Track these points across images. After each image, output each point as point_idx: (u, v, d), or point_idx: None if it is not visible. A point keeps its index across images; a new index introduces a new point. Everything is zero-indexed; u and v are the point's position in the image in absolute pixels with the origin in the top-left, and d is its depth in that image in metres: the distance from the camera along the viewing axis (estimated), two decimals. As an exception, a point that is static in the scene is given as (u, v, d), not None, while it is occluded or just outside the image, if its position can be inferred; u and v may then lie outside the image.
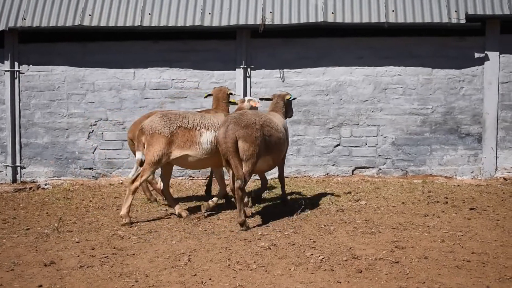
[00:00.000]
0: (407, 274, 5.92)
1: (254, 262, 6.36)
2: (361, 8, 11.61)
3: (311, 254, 6.56)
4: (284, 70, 11.91)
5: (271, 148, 8.23)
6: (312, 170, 11.82)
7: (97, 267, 6.30)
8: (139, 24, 11.78)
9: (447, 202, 9.33)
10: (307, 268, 6.13)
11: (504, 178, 11.43)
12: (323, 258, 6.43)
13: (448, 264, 6.20)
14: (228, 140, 7.78)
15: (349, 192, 10.18)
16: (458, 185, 10.96)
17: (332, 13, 11.61)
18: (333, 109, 11.86)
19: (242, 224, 7.77)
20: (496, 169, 11.62)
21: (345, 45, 11.86)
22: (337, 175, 11.84)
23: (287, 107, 9.37)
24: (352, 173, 11.87)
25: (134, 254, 6.76)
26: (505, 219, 8.20)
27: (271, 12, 11.70)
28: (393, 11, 11.53)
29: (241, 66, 11.86)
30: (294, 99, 9.56)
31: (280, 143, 8.47)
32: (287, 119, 9.58)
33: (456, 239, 7.15)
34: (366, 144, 11.80)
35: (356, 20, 11.54)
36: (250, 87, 11.89)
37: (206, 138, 8.32)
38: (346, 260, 6.37)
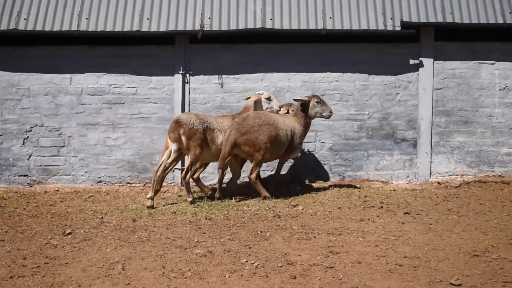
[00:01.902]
0: (341, 279, 6.00)
1: (189, 269, 6.34)
2: (299, 15, 11.71)
3: (246, 261, 6.58)
4: (223, 76, 11.92)
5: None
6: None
7: (28, 277, 6.19)
8: (76, 29, 11.62)
9: (382, 207, 9.47)
10: (242, 275, 6.15)
11: (438, 182, 11.68)
12: (258, 264, 6.45)
13: (380, 269, 6.29)
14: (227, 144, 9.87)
15: (287, 198, 10.23)
16: (394, 190, 11.14)
17: (271, 19, 11.68)
18: (272, 115, 11.92)
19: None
20: (430, 174, 11.86)
21: (283, 51, 11.94)
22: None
23: (304, 109, 10.52)
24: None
25: (67, 263, 6.66)
26: (437, 223, 8.37)
27: (209, 18, 11.69)
28: (330, 18, 11.66)
29: (179, 72, 11.82)
30: (297, 100, 10.64)
31: (277, 140, 10.03)
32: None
33: (389, 244, 7.27)
34: (304, 149, 11.88)
35: (294, 27, 11.64)
36: (189, 93, 11.86)
37: None
38: (281, 266, 6.40)
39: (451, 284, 5.79)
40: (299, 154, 11.05)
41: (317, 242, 7.38)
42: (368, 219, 8.60)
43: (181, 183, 11.74)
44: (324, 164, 11.93)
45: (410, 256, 6.72)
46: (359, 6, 11.78)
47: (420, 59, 11.86)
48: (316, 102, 10.49)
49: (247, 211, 9.20)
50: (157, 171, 10.05)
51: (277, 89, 11.88)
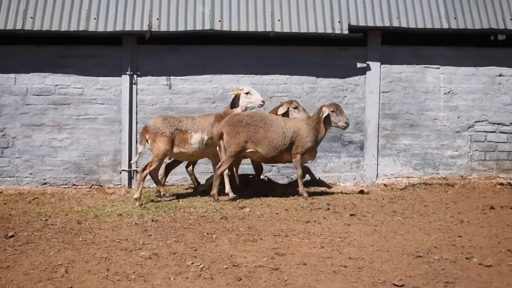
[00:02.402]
0: (286, 280, 6.01)
1: (134, 272, 6.28)
2: (247, 17, 11.72)
3: (192, 263, 6.55)
4: (171, 77, 11.85)
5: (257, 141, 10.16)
6: (199, 178, 11.78)
7: (-33, 281, 6.04)
8: (20, 28, 11.40)
9: (329, 209, 9.53)
10: (187, 277, 6.12)
11: (384, 184, 11.82)
12: (204, 266, 6.43)
13: (325, 270, 6.34)
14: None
15: (234, 200, 10.22)
16: (341, 192, 11.23)
17: (219, 21, 11.66)
18: (220, 117, 11.90)
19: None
20: (377, 176, 12.01)
21: (232, 53, 11.93)
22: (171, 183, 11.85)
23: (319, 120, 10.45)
24: (239, 181, 11.92)
25: (8, 266, 6.53)
26: (382, 225, 8.47)
27: (158, 19, 11.61)
28: (279, 20, 11.71)
29: (127, 73, 11.70)
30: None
31: (269, 140, 10.19)
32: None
33: (335, 245, 7.32)
34: (252, 151, 11.89)
35: (242, 29, 11.64)
36: (136, 94, 11.75)
37: None
38: (227, 268, 6.39)
39: (394, 284, 5.86)
40: (311, 159, 10.79)
41: (263, 244, 7.39)
42: (315, 221, 8.65)
43: (128, 184, 11.67)
44: (272, 166, 11.96)
45: (354, 257, 6.78)
46: (308, 10, 11.86)
47: (367, 62, 12.00)
48: (332, 111, 10.39)
49: (194, 213, 9.16)
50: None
51: (225, 91, 11.86)
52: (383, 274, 6.19)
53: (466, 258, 6.77)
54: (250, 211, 9.34)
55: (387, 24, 11.84)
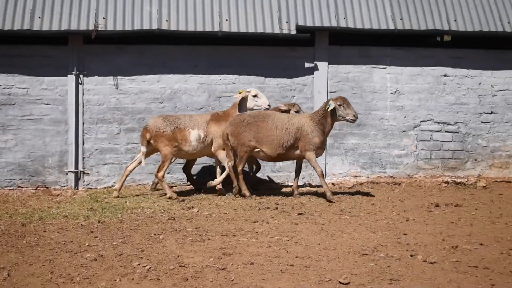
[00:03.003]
0: (232, 280, 6.00)
1: (78, 274, 6.18)
2: (195, 17, 11.66)
3: (138, 264, 6.48)
4: (118, 77, 11.73)
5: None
6: (147, 178, 11.71)
7: None
8: (-39, 27, 11.16)
9: (277, 208, 9.56)
10: (133, 279, 6.05)
11: (332, 184, 11.91)
12: (150, 267, 6.37)
13: (272, 269, 6.34)
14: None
15: (183, 200, 10.16)
16: (290, 191, 11.25)
17: (167, 20, 11.58)
18: (168, 117, 11.83)
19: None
20: (324, 175, 12.06)
21: (180, 52, 11.87)
22: (173, 183, 11.79)
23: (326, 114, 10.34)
24: (187, 181, 11.85)
25: None
26: (330, 223, 8.53)
27: (104, 18, 11.47)
28: (226, 20, 11.69)
29: (73, 73, 11.54)
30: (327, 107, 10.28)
31: (272, 138, 10.23)
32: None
33: (282, 244, 7.33)
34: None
35: (190, 29, 11.59)
36: (83, 94, 11.59)
37: None
38: (173, 268, 6.34)
39: (340, 282, 5.89)
40: (321, 154, 10.69)
41: (211, 244, 7.36)
42: (263, 220, 8.66)
43: (75, 186, 11.52)
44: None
45: (301, 256, 6.80)
46: (255, 10, 11.86)
47: (315, 62, 12.08)
48: (339, 105, 10.24)
49: (142, 214, 9.08)
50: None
51: (173, 90, 11.80)
52: (329, 272, 6.23)
53: (411, 255, 6.86)
54: (198, 211, 9.30)
55: (334, 24, 11.93)
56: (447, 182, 11.99)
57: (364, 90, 12.29)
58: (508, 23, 12.35)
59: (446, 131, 12.47)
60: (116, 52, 11.74)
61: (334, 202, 10.06)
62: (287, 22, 11.83)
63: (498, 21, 12.34)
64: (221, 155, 10.64)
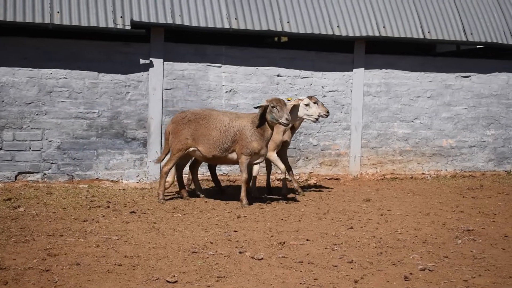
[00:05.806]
0: (56, 282, 5.78)
1: None
2: (24, 7, 11.09)
3: (-47, 268, 6.09)
4: None
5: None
6: None
7: None
8: None
9: (109, 207, 9.36)
10: None
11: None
12: (-34, 271, 6.00)
13: (99, 269, 6.18)
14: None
15: (9, 199, 9.68)
16: (123, 189, 11.10)
17: (-7, 10, 10.99)
18: (-5, 112, 11.25)
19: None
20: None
21: (7, 44, 11.29)
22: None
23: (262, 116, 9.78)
24: (16, 179, 11.33)
25: None
26: (162, 221, 8.48)
27: None
28: (58, 12, 11.26)
29: None
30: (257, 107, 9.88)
31: (209, 138, 9.83)
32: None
33: (111, 244, 7.18)
34: (30, 148, 11.36)
35: (19, 19, 11.02)
36: None
37: None
38: (-8, 271, 6.02)
39: (167, 281, 5.85)
40: (261, 160, 10.04)
41: (36, 244, 7.07)
42: (93, 219, 8.44)
43: None
44: (52, 163, 11.50)
45: (130, 256, 6.69)
46: (89, 3, 11.49)
47: (151, 59, 11.95)
48: (272, 107, 9.56)
49: (-38, 214, 8.55)
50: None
51: (0, 84, 11.21)
52: (158, 271, 6.17)
53: (240, 252, 6.94)
54: (25, 210, 8.91)
55: (170, 21, 11.86)
56: (279, 180, 12.28)
57: (200, 88, 12.33)
58: (338, 26, 12.89)
59: (278, 130, 12.78)
60: None
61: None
62: (121, 17, 11.59)
63: (328, 24, 12.84)
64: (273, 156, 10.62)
